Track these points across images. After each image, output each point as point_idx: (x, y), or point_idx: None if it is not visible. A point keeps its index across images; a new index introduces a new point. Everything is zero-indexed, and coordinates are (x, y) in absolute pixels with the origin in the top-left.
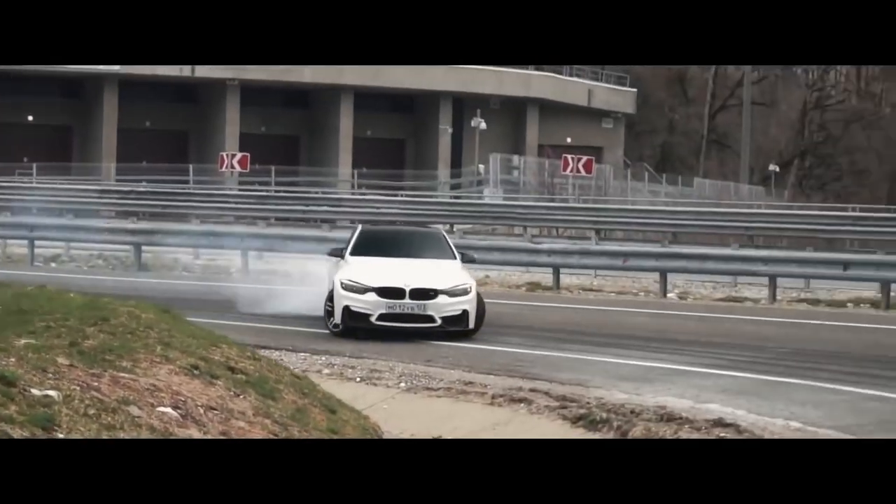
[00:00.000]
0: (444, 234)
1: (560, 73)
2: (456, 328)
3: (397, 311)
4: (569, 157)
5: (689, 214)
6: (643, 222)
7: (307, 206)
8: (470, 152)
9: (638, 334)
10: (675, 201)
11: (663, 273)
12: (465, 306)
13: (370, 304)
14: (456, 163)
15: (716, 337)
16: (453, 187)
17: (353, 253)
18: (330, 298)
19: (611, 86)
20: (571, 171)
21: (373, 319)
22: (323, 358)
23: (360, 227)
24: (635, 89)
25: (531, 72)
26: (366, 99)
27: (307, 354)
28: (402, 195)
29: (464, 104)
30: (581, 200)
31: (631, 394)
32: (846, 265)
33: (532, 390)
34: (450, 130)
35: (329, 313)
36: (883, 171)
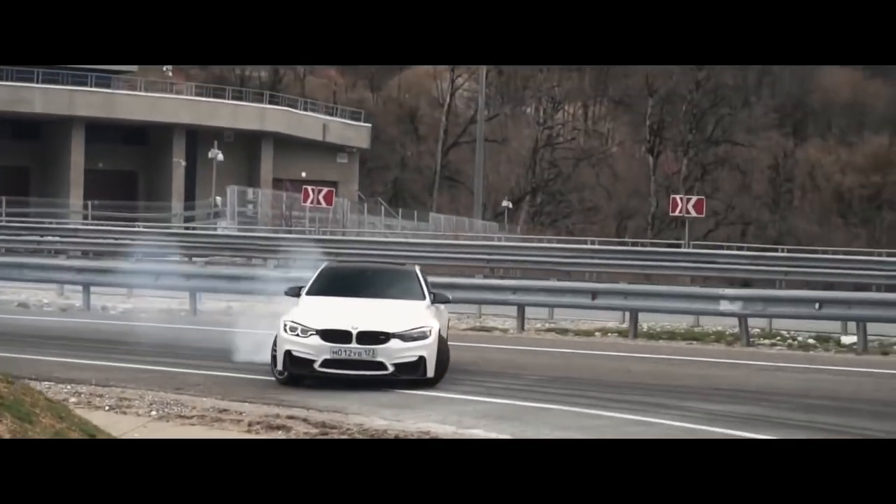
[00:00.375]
0: (419, 272)
1: (295, 108)
2: (411, 377)
3: (343, 356)
4: (309, 188)
5: (428, 246)
6: (382, 254)
7: (42, 236)
8: (205, 185)
9: None
10: (415, 233)
11: None
12: (422, 352)
13: (313, 349)
14: (190, 195)
15: (469, 365)
16: (187, 219)
17: (310, 292)
18: (275, 344)
19: (345, 121)
20: (312, 202)
21: (316, 366)
22: (68, 387)
23: (323, 265)
24: (370, 124)
25: (265, 105)
26: (98, 131)
27: (51, 383)
28: (139, 226)
29: (198, 137)
30: (321, 232)
31: (391, 420)
32: (594, 294)
33: (290, 417)
34: (183, 163)
35: (274, 359)
36: (611, 208)
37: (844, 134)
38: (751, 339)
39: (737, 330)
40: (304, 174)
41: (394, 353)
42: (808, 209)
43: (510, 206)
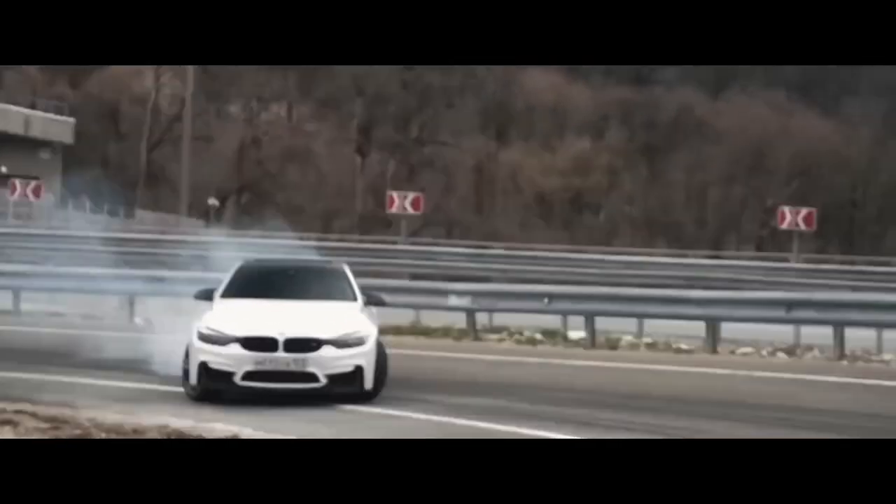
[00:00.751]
0: (347, 270)
1: None
2: (347, 389)
3: (268, 367)
4: (17, 181)
5: (140, 242)
6: (116, 251)
7: None
8: None
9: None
10: (129, 229)
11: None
12: (359, 361)
13: (233, 360)
14: None
15: None
16: None
17: (224, 294)
18: (187, 354)
19: (49, 115)
20: (19, 196)
21: (237, 379)
22: None
23: (239, 262)
24: (73, 119)
25: None
26: None
27: None
28: None
29: None
30: (44, 227)
31: (125, 414)
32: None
33: (17, 412)
34: None
35: (186, 371)
36: (317, 209)
37: (547, 137)
38: (478, 334)
39: (461, 325)
40: (3, 169)
41: (327, 363)
42: (511, 211)
43: (217, 204)
